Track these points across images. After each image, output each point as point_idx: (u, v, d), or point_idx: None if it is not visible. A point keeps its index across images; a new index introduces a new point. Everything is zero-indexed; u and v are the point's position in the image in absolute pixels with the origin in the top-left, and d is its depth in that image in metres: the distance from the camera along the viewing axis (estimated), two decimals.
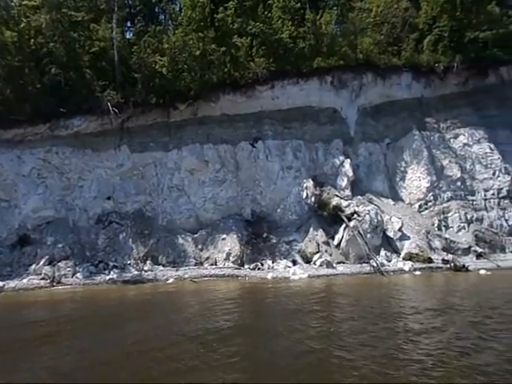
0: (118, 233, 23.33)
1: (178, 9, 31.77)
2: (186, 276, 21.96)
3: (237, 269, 23.22)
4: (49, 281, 20.64)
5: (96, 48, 26.79)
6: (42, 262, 21.45)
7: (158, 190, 25.43)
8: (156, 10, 33.18)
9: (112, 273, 21.53)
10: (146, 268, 22.32)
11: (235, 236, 24.40)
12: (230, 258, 23.76)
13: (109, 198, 24.30)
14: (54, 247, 22.30)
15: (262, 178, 26.43)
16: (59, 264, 21.53)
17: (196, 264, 23.32)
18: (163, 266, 22.77)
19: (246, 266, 23.59)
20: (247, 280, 22.05)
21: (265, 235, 24.87)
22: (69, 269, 21.39)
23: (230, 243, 24.18)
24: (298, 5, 30.03)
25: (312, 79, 28.54)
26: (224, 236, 24.42)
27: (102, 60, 26.90)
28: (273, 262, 23.82)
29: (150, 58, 26.99)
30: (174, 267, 22.67)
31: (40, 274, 20.99)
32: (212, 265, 23.61)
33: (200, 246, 24.25)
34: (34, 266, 21.45)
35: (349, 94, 29.11)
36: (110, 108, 24.90)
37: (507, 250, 25.90)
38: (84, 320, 15.04)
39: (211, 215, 25.28)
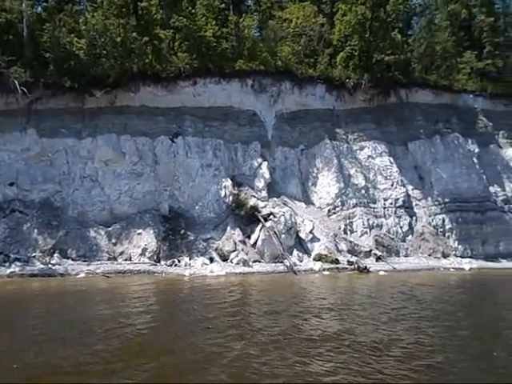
0: (21, 222, 21.21)
1: None
2: (99, 271, 20.74)
3: (153, 265, 22.57)
4: None
5: (2, 19, 24.26)
6: None
7: (69, 179, 23.72)
8: None
9: (13, 266, 19.46)
10: (53, 261, 20.59)
11: (152, 231, 23.69)
12: (146, 253, 23.01)
13: (11, 184, 22.04)
14: None
15: (181, 174, 26.04)
16: None
17: (109, 259, 22.16)
18: (73, 259, 21.21)
19: (163, 263, 23.02)
20: (164, 276, 21.51)
21: (182, 232, 24.49)
22: None
23: (146, 238, 23.41)
24: (223, 5, 30.43)
25: (234, 80, 29.00)
26: (140, 231, 23.58)
27: (8, 33, 24.41)
28: (190, 259, 23.55)
29: (64, 38, 25.22)
30: (84, 261, 21.24)
31: None
32: (126, 260, 22.64)
33: (114, 240, 23.08)
34: None
35: (268, 98, 30.08)
36: (18, 86, 22.75)
37: (401, 254, 28.76)
38: None
39: (127, 209, 24.22)
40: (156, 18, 26.97)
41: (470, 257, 30.88)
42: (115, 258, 22.77)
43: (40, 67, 24.19)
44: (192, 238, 24.50)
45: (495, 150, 37.26)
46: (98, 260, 21.76)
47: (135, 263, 22.45)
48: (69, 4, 27.10)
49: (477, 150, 35.52)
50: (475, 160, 34.85)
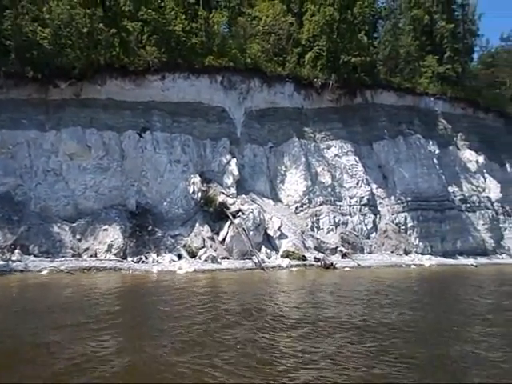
0: None
1: None
2: (63, 268, 20.08)
3: (119, 261, 22.08)
4: None
5: None
6: None
7: (31, 173, 22.85)
8: None
9: None
10: (13, 258, 19.74)
11: (118, 227, 23.20)
12: (112, 249, 22.51)
13: None
14: None
15: (148, 170, 25.63)
16: None
17: (74, 255, 21.51)
18: (35, 256, 20.44)
19: (130, 259, 22.58)
20: (131, 273, 21.12)
21: (150, 228, 24.12)
22: None
23: (112, 234, 22.90)
24: (193, 0, 30.13)
25: (203, 76, 28.81)
26: (106, 227, 23.05)
27: None
28: (157, 256, 23.23)
29: (27, 26, 24.25)
30: (47, 258, 20.53)
31: None
32: (92, 256, 22.04)
33: (78, 236, 22.44)
34: None
35: (237, 95, 30.07)
36: None
37: (365, 251, 29.51)
38: None
39: (92, 204, 23.61)
40: (124, 9, 26.37)
41: (429, 254, 32.11)
42: (80, 255, 22.13)
43: (1, 55, 23.16)
44: (160, 234, 24.17)
45: (454, 152, 38.91)
46: (62, 256, 21.07)
47: (101, 260, 21.90)
48: None
49: (437, 151, 36.95)
50: (435, 161, 36.25)
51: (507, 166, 43.43)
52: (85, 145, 24.43)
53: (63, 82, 24.74)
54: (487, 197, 38.89)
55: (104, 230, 23.00)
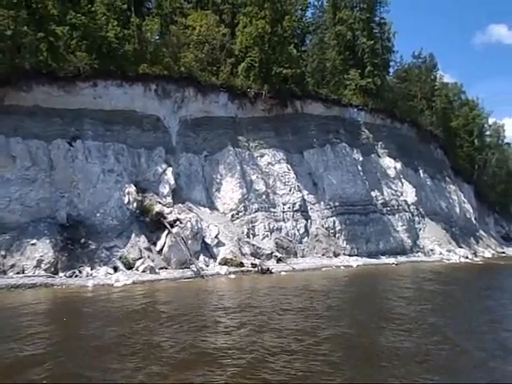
0: None
1: None
2: None
3: (50, 277, 21.00)
4: None
5: None
6: None
7: None
8: None
9: None
10: None
11: (48, 241, 22.02)
12: (42, 265, 21.32)
13: None
14: None
15: (80, 180, 24.62)
16: None
17: None
18: None
19: (62, 274, 21.54)
20: (64, 288, 20.23)
21: (82, 241, 23.17)
22: None
23: (41, 249, 21.67)
24: (125, 6, 29.53)
25: (137, 84, 28.35)
26: (34, 241, 21.74)
27: None
28: (92, 269, 22.41)
29: None
30: None
31: None
32: (19, 273, 20.74)
33: (3, 252, 20.95)
34: None
35: (172, 104, 29.95)
36: None
37: (298, 255, 30.76)
38: None
39: (18, 217, 22.16)
40: (52, 13, 25.21)
41: (356, 255, 34.27)
42: (5, 272, 20.73)
43: None
44: (94, 246, 23.33)
45: (375, 159, 41.82)
46: None
47: (29, 276, 20.69)
48: None
49: (360, 159, 39.52)
50: (359, 168, 38.74)
51: (420, 171, 47.63)
52: (9, 155, 22.93)
53: None
54: (404, 200, 42.33)
55: (32, 244, 21.69)
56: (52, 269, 21.57)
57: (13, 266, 21.02)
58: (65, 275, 21.55)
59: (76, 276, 21.73)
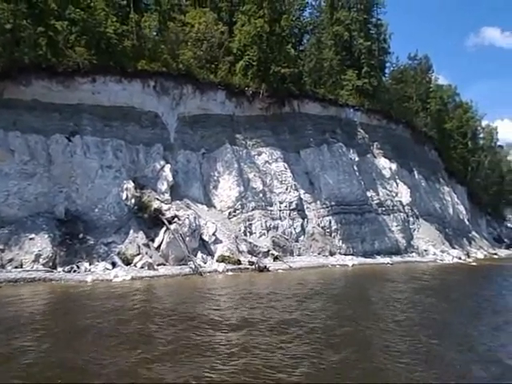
0: None
1: None
2: None
3: (49, 271, 20.96)
4: None
5: None
6: None
7: None
8: None
9: None
10: None
11: (46, 236, 21.99)
12: (40, 260, 21.27)
13: None
14: None
15: (78, 175, 24.60)
16: None
17: None
18: None
19: (60, 269, 21.52)
20: (63, 283, 20.21)
21: (81, 236, 23.15)
22: None
23: (39, 244, 21.64)
24: (124, 2, 29.55)
25: (136, 80, 28.35)
26: (32, 235, 21.72)
27: None
28: (90, 265, 22.39)
29: None
30: None
31: None
32: (17, 268, 20.67)
33: (1, 246, 20.89)
34: None
35: (170, 101, 29.97)
36: None
37: (295, 254, 30.89)
38: None
39: (16, 211, 22.11)
40: (52, 7, 25.15)
41: (351, 254, 34.45)
42: (3, 266, 20.66)
43: None
44: (92, 242, 23.31)
45: (371, 160, 42.13)
46: None
47: (28, 271, 20.64)
48: None
49: (356, 159, 39.80)
50: (355, 168, 39.00)
51: (415, 172, 48.04)
52: (7, 148, 22.88)
53: None
54: (399, 201, 42.69)
55: (30, 238, 21.64)
56: (50, 263, 21.54)
57: (11, 260, 20.97)
58: (63, 270, 21.55)
59: (74, 271, 21.71)
